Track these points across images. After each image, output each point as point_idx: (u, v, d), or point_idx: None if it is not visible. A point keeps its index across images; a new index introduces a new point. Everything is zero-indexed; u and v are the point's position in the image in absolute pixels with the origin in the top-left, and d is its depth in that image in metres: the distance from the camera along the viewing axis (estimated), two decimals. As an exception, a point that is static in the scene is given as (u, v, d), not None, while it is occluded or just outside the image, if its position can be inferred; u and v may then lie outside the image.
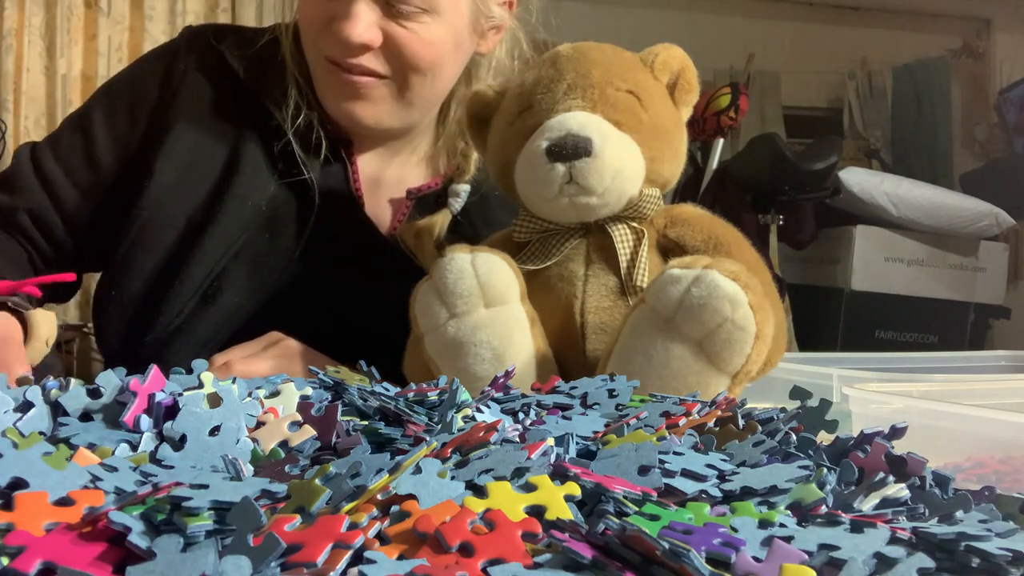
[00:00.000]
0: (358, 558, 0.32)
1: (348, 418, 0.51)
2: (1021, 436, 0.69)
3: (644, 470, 0.41)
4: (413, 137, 1.04)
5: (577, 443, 0.47)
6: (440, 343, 0.75)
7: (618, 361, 0.72)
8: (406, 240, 1.00)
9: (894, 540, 0.35)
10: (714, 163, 3.22)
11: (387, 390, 0.58)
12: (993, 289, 3.43)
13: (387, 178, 1.04)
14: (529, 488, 0.38)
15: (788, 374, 0.88)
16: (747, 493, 0.40)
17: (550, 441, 0.43)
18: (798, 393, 0.57)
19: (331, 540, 0.32)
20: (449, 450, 0.42)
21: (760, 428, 0.50)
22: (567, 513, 0.36)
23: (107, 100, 1.00)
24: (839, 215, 3.30)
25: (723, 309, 0.68)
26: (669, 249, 0.82)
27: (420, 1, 0.88)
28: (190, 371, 0.52)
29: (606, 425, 0.51)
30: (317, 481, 0.36)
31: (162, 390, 0.47)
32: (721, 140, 3.24)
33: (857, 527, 0.36)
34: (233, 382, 0.50)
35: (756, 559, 0.33)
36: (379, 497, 0.36)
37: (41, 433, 0.44)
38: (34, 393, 0.46)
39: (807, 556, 0.33)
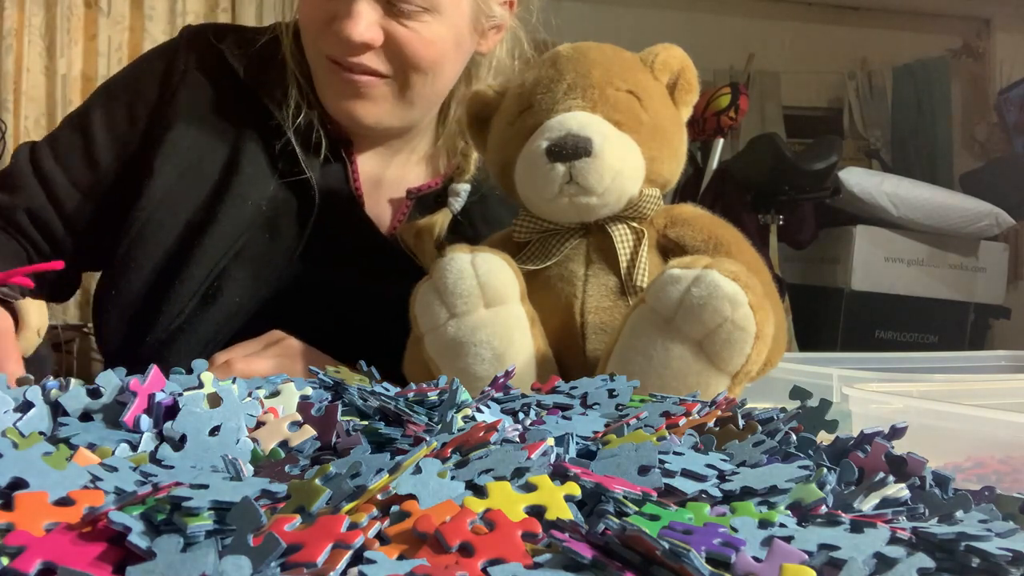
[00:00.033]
0: (358, 558, 0.32)
1: (348, 418, 0.51)
2: (1021, 436, 0.69)
3: (644, 470, 0.41)
4: (413, 137, 1.04)
5: (577, 443, 0.46)
6: (440, 343, 0.75)
7: (618, 361, 0.72)
8: (406, 240, 1.00)
9: (894, 540, 0.35)
10: (714, 163, 3.22)
11: (387, 390, 0.58)
12: (993, 289, 3.43)
13: (387, 178, 1.04)
14: (529, 488, 0.38)
15: (788, 374, 0.88)
16: (747, 493, 0.40)
17: (550, 441, 0.43)
18: (798, 393, 0.57)
19: (331, 540, 0.32)
20: (449, 450, 0.42)
21: (760, 428, 0.50)
22: (567, 513, 0.36)
23: (106, 99, 1.00)
24: (839, 215, 3.30)
25: (723, 309, 0.68)
26: (669, 249, 0.82)
27: (421, 0, 0.88)
28: (190, 371, 0.52)
29: (606, 425, 0.51)
30: (317, 481, 0.36)
31: (162, 390, 0.47)
32: (721, 140, 3.24)
33: (857, 527, 0.36)
34: (233, 382, 0.50)
35: (756, 559, 0.33)
36: (379, 497, 0.36)
37: (41, 433, 0.44)
38: (34, 393, 0.46)
39: (807, 556, 0.33)
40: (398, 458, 0.38)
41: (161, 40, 1.18)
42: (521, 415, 0.54)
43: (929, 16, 4.40)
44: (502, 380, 0.59)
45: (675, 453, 0.44)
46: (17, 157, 0.99)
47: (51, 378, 0.50)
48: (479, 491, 0.37)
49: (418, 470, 0.38)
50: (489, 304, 0.75)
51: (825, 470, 0.44)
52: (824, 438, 0.51)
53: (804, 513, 0.39)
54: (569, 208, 0.79)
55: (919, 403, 0.77)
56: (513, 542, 0.33)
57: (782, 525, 0.36)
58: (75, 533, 0.31)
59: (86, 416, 0.46)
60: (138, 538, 0.30)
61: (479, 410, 0.52)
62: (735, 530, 0.35)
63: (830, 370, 0.93)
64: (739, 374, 0.71)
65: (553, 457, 0.42)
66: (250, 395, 0.50)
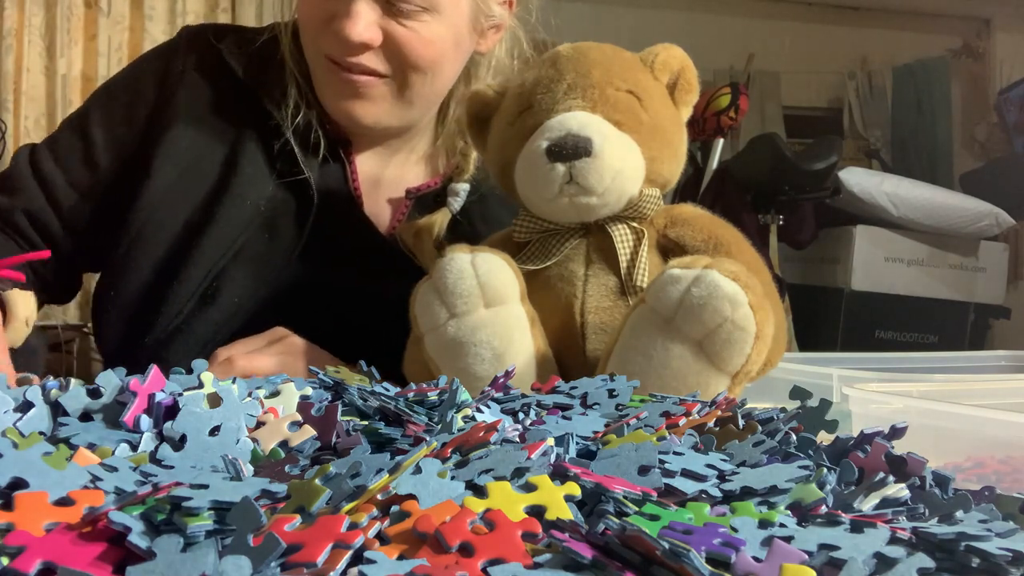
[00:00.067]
0: (358, 558, 0.32)
1: (348, 418, 0.51)
2: (1021, 436, 0.69)
3: (644, 470, 0.41)
4: (412, 136, 1.04)
5: (577, 443, 0.47)
6: (440, 343, 0.75)
7: (618, 361, 0.72)
8: (405, 239, 1.00)
9: (894, 540, 0.35)
10: (714, 163, 3.22)
11: (387, 390, 0.58)
12: (993, 289, 3.43)
13: (386, 178, 1.04)
14: (529, 488, 0.38)
15: (788, 374, 0.88)
16: (747, 493, 0.40)
17: (550, 441, 0.43)
18: (798, 393, 0.57)
19: (331, 540, 0.32)
20: (449, 450, 0.42)
21: (760, 428, 0.50)
22: (567, 513, 0.36)
23: (105, 101, 1.00)
24: (839, 215, 3.30)
25: (723, 309, 0.68)
26: (669, 249, 0.82)
27: (420, 0, 0.88)
28: (190, 371, 0.52)
29: (606, 425, 0.51)
30: (317, 481, 0.36)
31: (162, 390, 0.47)
32: (721, 140, 3.24)
33: (857, 527, 0.36)
34: (233, 382, 0.50)
35: (756, 559, 0.33)
36: (379, 497, 0.36)
37: (41, 433, 0.44)
38: (34, 393, 0.46)
39: (807, 556, 0.33)
40: (398, 458, 0.38)
41: (161, 40, 1.19)
42: (521, 415, 0.54)
43: (929, 16, 4.40)
44: (502, 380, 0.59)
45: (675, 453, 0.44)
46: (17, 159, 0.99)
47: (51, 378, 0.50)
48: (479, 491, 0.37)
49: (418, 470, 0.38)
50: (489, 304, 0.75)
51: (825, 470, 0.44)
52: (824, 438, 0.51)
53: (804, 513, 0.39)
54: (569, 208, 0.79)
55: (919, 403, 0.77)
56: (513, 542, 0.33)
57: (782, 525, 0.36)
58: (75, 533, 0.31)
59: (86, 416, 0.46)
60: (138, 538, 0.30)
61: (479, 410, 0.52)
62: (735, 530, 0.35)
63: (830, 370, 0.93)
64: (739, 374, 0.71)
65: (553, 457, 0.42)
66: (250, 395, 0.50)
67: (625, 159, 0.78)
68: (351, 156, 1.01)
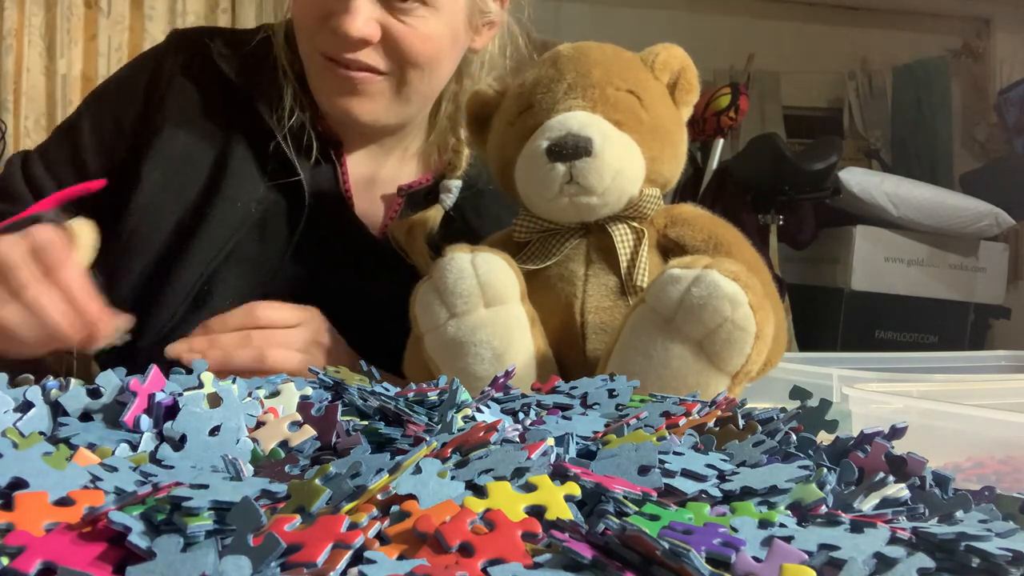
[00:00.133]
0: (358, 558, 0.32)
1: (348, 418, 0.51)
2: (1021, 436, 0.69)
3: (644, 470, 0.41)
4: (405, 134, 1.04)
5: (577, 443, 0.47)
6: (440, 343, 0.75)
7: (618, 361, 0.72)
8: (397, 237, 1.00)
9: (894, 540, 0.35)
10: (714, 163, 3.22)
11: (387, 390, 0.58)
12: (993, 289, 3.43)
13: (378, 176, 1.03)
14: (529, 488, 0.38)
15: (788, 374, 0.88)
16: (747, 493, 0.40)
17: (550, 441, 0.43)
18: (798, 393, 0.57)
19: (331, 540, 0.32)
20: (449, 450, 0.42)
21: (760, 428, 0.50)
22: (567, 513, 0.36)
23: (93, 108, 1.01)
24: (839, 215, 3.30)
25: (723, 309, 0.68)
26: (669, 249, 0.82)
27: None
28: (190, 371, 0.52)
29: (606, 425, 0.51)
30: (317, 481, 0.36)
31: (162, 390, 0.47)
32: (721, 140, 3.24)
33: (857, 527, 0.36)
34: (233, 382, 0.50)
35: (756, 559, 0.33)
36: (379, 497, 0.36)
37: (41, 433, 0.44)
38: (34, 393, 0.46)
39: (807, 556, 0.33)
40: (398, 458, 0.38)
41: (161, 40, 1.19)
42: (521, 415, 0.54)
43: (929, 16, 4.39)
44: (502, 380, 0.59)
45: (675, 453, 0.44)
46: (10, 167, 1.00)
47: (51, 378, 0.50)
48: (479, 491, 0.37)
49: (418, 470, 0.38)
50: (489, 304, 0.75)
51: (825, 470, 0.44)
52: (824, 438, 0.51)
53: (804, 513, 0.39)
54: (569, 208, 0.79)
55: (919, 403, 0.77)
56: (513, 542, 0.33)
57: (782, 525, 0.36)
58: (75, 533, 0.31)
59: (86, 416, 0.46)
60: (138, 538, 0.30)
61: (479, 410, 0.52)
62: (735, 530, 0.36)
63: (830, 370, 0.93)
64: (739, 374, 0.71)
65: (553, 457, 0.42)
66: (250, 395, 0.50)
67: (625, 159, 0.78)
68: (342, 158, 1.01)
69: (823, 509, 0.39)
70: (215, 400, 0.47)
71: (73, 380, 0.49)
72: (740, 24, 4.09)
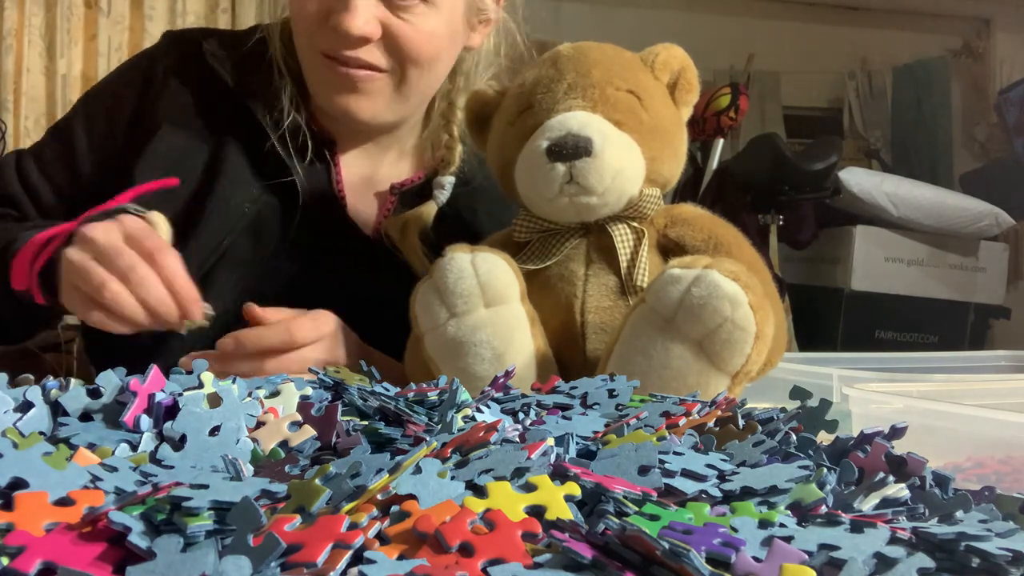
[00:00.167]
0: (358, 558, 0.32)
1: (348, 418, 0.51)
2: (1021, 436, 0.69)
3: (644, 470, 0.41)
4: (400, 133, 1.04)
5: (577, 443, 0.47)
6: (440, 343, 0.75)
7: (618, 361, 0.72)
8: (391, 234, 1.00)
9: (894, 540, 0.35)
10: (714, 163, 3.22)
11: (387, 390, 0.58)
12: (993, 289, 3.43)
13: (371, 175, 1.04)
14: (529, 488, 0.38)
15: (788, 374, 0.88)
16: (747, 493, 0.40)
17: (550, 441, 0.43)
18: (798, 393, 0.57)
19: (331, 540, 0.32)
20: (449, 450, 0.42)
21: (760, 428, 0.50)
22: (567, 513, 0.36)
23: (87, 110, 1.01)
24: (839, 215, 3.30)
25: (723, 309, 0.68)
26: (669, 249, 0.82)
27: None
28: (190, 371, 0.52)
29: (606, 425, 0.51)
30: (317, 481, 0.36)
31: (162, 390, 0.47)
32: (721, 140, 3.24)
33: (857, 527, 0.36)
34: (233, 382, 0.50)
35: (756, 559, 0.33)
36: (379, 497, 0.36)
37: (41, 433, 0.44)
38: (34, 393, 0.46)
39: (807, 556, 0.33)
40: (398, 458, 0.38)
41: (161, 40, 1.19)
42: (521, 415, 0.54)
43: (929, 16, 4.39)
44: (502, 380, 0.59)
45: (675, 453, 0.44)
46: (5, 169, 1.00)
47: (51, 378, 0.50)
48: (479, 491, 0.37)
49: (418, 470, 0.38)
50: (489, 304, 0.75)
51: (825, 470, 0.44)
52: (824, 438, 0.51)
53: (804, 513, 0.39)
54: (569, 208, 0.79)
55: (919, 403, 0.77)
56: (513, 542, 0.33)
57: (782, 525, 0.36)
58: (75, 533, 0.31)
59: (86, 416, 0.46)
60: (138, 538, 0.30)
61: (479, 410, 0.52)
62: (735, 530, 0.35)
63: (830, 370, 0.92)
64: (739, 374, 0.71)
65: (553, 457, 0.42)
66: (250, 395, 0.50)
67: (625, 159, 0.78)
68: (335, 158, 1.01)
69: (823, 509, 0.39)
70: (215, 400, 0.47)
71: (73, 380, 0.49)
72: (740, 24, 4.09)
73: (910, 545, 0.35)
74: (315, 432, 0.46)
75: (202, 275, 0.93)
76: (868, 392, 0.78)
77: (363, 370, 0.72)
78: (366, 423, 0.50)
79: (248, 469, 0.40)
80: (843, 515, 0.38)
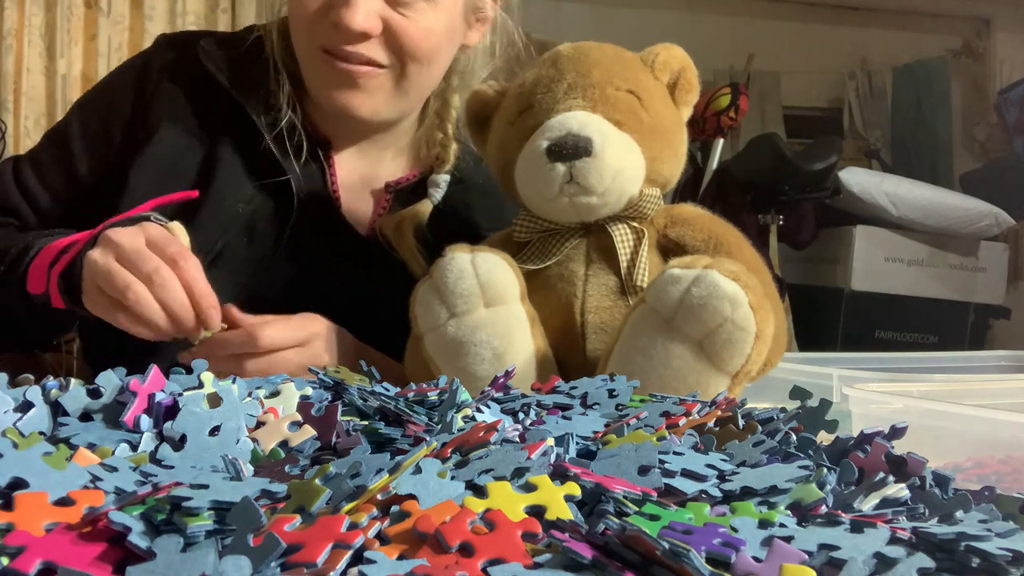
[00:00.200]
0: (358, 558, 0.32)
1: (348, 418, 0.51)
2: (1021, 436, 0.69)
3: (644, 470, 0.41)
4: (395, 131, 1.03)
5: (577, 443, 0.47)
6: (440, 343, 0.75)
7: (618, 361, 0.72)
8: (386, 232, 1.00)
9: (894, 540, 0.35)
10: (714, 163, 3.22)
11: (387, 390, 0.58)
12: (993, 289, 3.43)
13: (366, 175, 1.03)
14: (529, 488, 0.38)
15: (788, 374, 0.88)
16: (747, 493, 0.40)
17: (550, 441, 0.43)
18: (798, 393, 0.57)
19: (331, 540, 0.32)
20: (449, 450, 0.42)
21: (760, 428, 0.50)
22: (567, 513, 0.36)
23: (82, 115, 1.01)
24: (839, 215, 3.30)
25: (723, 309, 0.68)
26: (669, 249, 0.82)
27: None
28: (190, 371, 0.52)
29: (606, 425, 0.51)
30: (317, 481, 0.36)
31: (162, 390, 0.47)
32: (721, 140, 3.24)
33: (857, 527, 0.36)
34: (233, 382, 0.50)
35: (756, 559, 0.33)
36: (379, 497, 0.36)
37: (41, 433, 0.44)
38: (34, 393, 0.46)
39: (807, 556, 0.33)
40: (398, 458, 0.38)
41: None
42: (521, 415, 0.54)
43: (929, 16, 4.39)
44: (502, 380, 0.59)
45: (675, 453, 0.44)
46: (2, 177, 1.00)
47: (51, 378, 0.50)
48: (479, 491, 0.37)
49: (418, 470, 0.38)
50: (489, 304, 0.75)
51: (825, 470, 0.44)
52: (824, 438, 0.51)
53: (804, 513, 0.39)
54: (569, 208, 0.79)
55: (919, 403, 0.77)
56: (513, 542, 0.33)
57: (782, 525, 0.36)
58: (75, 533, 0.31)
59: (86, 416, 0.46)
60: (138, 538, 0.30)
61: (479, 410, 0.52)
62: (735, 530, 0.36)
63: (830, 370, 0.93)
64: (739, 374, 0.71)
65: (553, 457, 0.42)
66: (250, 395, 0.50)
67: (625, 159, 0.78)
68: (330, 158, 1.01)
69: (823, 509, 0.39)
70: (215, 400, 0.47)
71: (73, 380, 0.49)
72: (740, 24, 4.08)
73: (910, 545, 0.35)
74: (315, 432, 0.46)
75: None
76: (868, 392, 0.78)
77: (363, 370, 0.72)
78: (366, 423, 0.50)
79: (248, 469, 0.40)
80: (843, 515, 0.38)
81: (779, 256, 3.14)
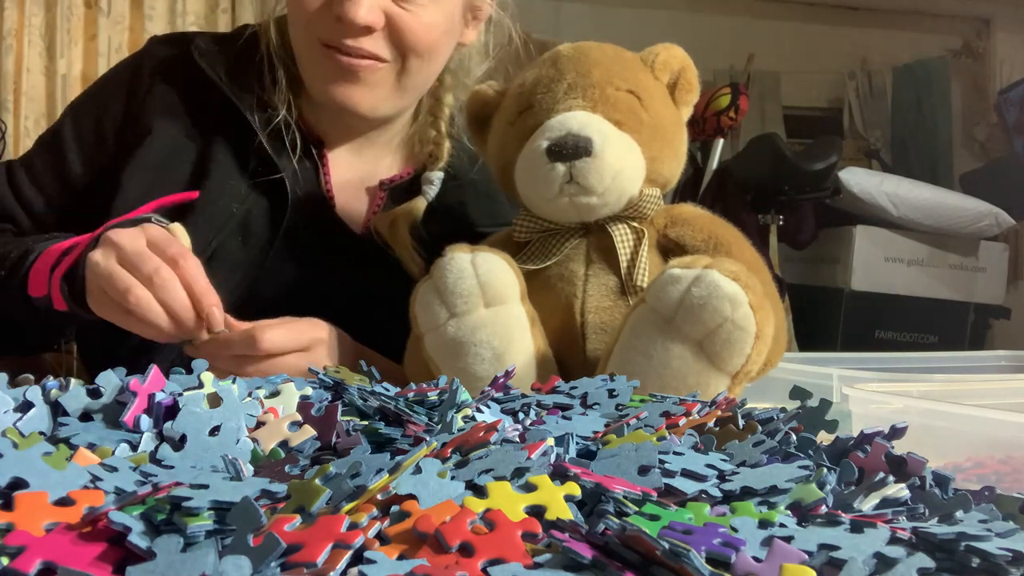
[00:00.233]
0: (358, 558, 0.32)
1: (348, 418, 0.51)
2: (1021, 436, 0.69)
3: (644, 470, 0.41)
4: (390, 128, 1.03)
5: (577, 443, 0.47)
6: (440, 343, 0.75)
7: (618, 361, 0.72)
8: (381, 230, 1.00)
9: (894, 540, 0.35)
10: (714, 163, 3.22)
11: (387, 390, 0.58)
12: (993, 289, 3.43)
13: (360, 173, 1.03)
14: (529, 488, 0.38)
15: (788, 374, 0.88)
16: (747, 493, 0.40)
17: (550, 441, 0.43)
18: (798, 393, 0.57)
19: (331, 540, 0.32)
20: (449, 450, 0.42)
21: (760, 428, 0.50)
22: (567, 513, 0.36)
23: (74, 117, 1.01)
24: (839, 215, 3.30)
25: (723, 309, 0.68)
26: (669, 249, 0.82)
27: None
28: (190, 371, 0.52)
29: (606, 425, 0.51)
30: (317, 481, 0.36)
31: (162, 390, 0.47)
32: (721, 140, 3.24)
33: (857, 527, 0.36)
34: (233, 382, 0.50)
35: (756, 559, 0.33)
36: (379, 497, 0.36)
37: (41, 433, 0.44)
38: (34, 393, 0.46)
39: (807, 556, 0.33)
40: (398, 458, 0.38)
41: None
42: (521, 415, 0.54)
43: (929, 16, 4.39)
44: (502, 380, 0.59)
45: (675, 453, 0.44)
46: None
47: (51, 378, 0.50)
48: (479, 491, 0.37)
49: (418, 470, 0.38)
50: (489, 304, 0.75)
51: (825, 470, 0.44)
52: (824, 438, 0.51)
53: (804, 513, 0.39)
54: (569, 208, 0.79)
55: (919, 403, 0.77)
56: (513, 542, 0.33)
57: (782, 525, 0.36)
58: (75, 533, 0.31)
59: (86, 416, 0.46)
60: (138, 538, 0.30)
61: (479, 410, 0.52)
62: (735, 530, 0.36)
63: (830, 370, 0.93)
64: (739, 374, 0.71)
65: (553, 457, 0.42)
66: (250, 395, 0.50)
67: (625, 159, 0.78)
68: (324, 157, 1.01)
69: (823, 509, 0.39)
70: (215, 400, 0.47)
71: (73, 380, 0.49)
72: (740, 24, 4.08)
73: (910, 545, 0.35)
74: (315, 432, 0.46)
75: None
76: (868, 392, 0.78)
77: (363, 370, 0.72)
78: (366, 423, 0.50)
79: (248, 469, 0.40)
80: (843, 515, 0.38)
81: (779, 256, 3.14)
